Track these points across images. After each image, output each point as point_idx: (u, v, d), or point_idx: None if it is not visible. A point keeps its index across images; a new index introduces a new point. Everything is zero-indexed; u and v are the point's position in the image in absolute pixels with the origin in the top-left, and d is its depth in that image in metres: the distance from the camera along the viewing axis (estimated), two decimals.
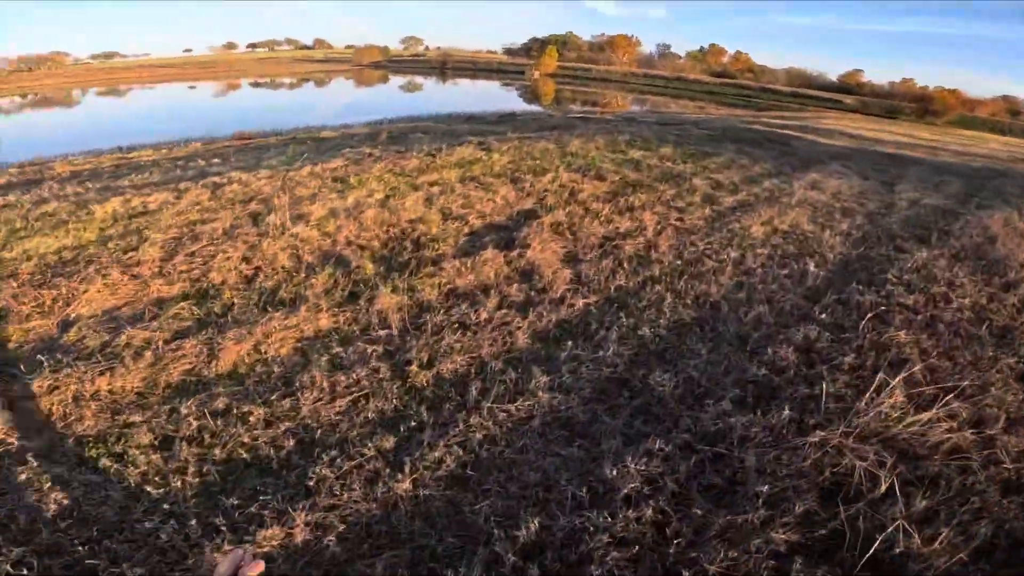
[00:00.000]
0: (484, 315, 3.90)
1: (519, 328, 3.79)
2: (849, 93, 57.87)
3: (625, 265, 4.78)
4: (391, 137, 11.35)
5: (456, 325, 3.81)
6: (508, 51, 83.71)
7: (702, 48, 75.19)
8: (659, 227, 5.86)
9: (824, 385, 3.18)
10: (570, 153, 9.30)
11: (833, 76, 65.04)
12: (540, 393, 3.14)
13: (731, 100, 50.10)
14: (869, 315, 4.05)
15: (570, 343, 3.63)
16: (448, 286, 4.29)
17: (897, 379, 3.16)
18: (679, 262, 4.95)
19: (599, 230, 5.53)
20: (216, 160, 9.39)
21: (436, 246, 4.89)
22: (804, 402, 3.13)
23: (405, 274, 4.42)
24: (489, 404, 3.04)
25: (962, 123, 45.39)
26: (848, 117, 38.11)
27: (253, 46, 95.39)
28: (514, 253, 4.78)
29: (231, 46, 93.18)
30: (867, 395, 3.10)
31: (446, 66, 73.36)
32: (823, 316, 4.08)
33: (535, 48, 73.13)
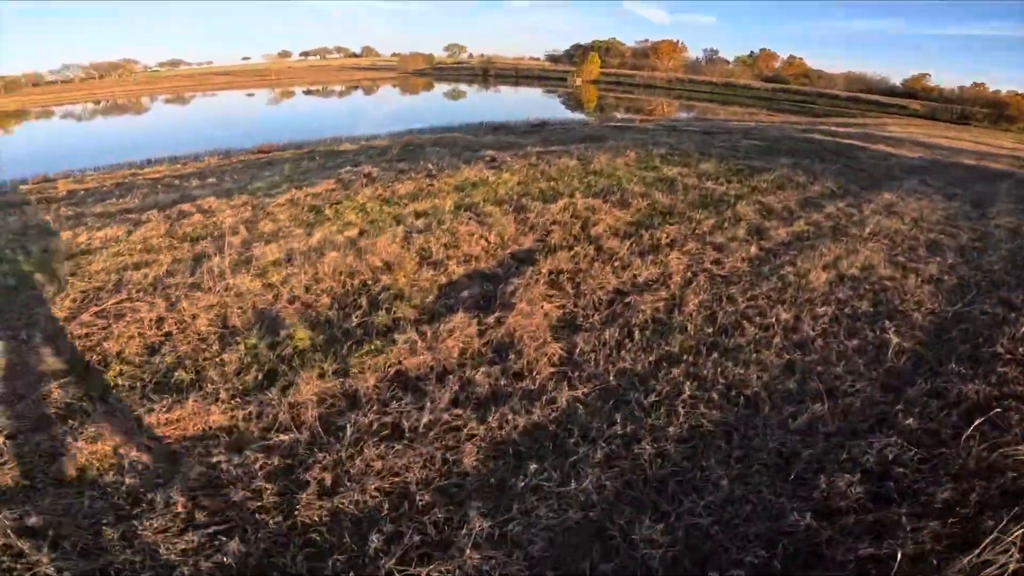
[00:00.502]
0: (428, 416, 2.86)
1: (472, 437, 2.75)
2: (914, 98, 53.87)
3: (636, 335, 3.63)
4: (403, 152, 10.54)
5: (386, 431, 2.80)
6: (551, 57, 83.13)
7: (752, 53, 71.90)
8: (688, 275, 4.66)
9: (901, 542, 2.03)
10: (593, 171, 8.16)
11: (896, 80, 60.80)
12: (468, 550, 2.13)
13: (785, 106, 47.44)
14: (978, 419, 2.75)
15: (534, 466, 2.56)
16: (394, 368, 3.27)
17: (1018, 531, 1.95)
18: (709, 330, 3.75)
19: (610, 280, 4.39)
20: (211, 180, 8.81)
21: (396, 306, 3.89)
22: (863, 567, 2.01)
23: (344, 348, 3.44)
24: (392, 563, 2.09)
25: None
26: (914, 123, 35.08)
27: (306, 54, 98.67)
28: (491, 318, 3.71)
29: (285, 54, 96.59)
30: (970, 556, 1.93)
31: (489, 73, 73.73)
32: (909, 420, 2.82)
33: (577, 55, 72.08)
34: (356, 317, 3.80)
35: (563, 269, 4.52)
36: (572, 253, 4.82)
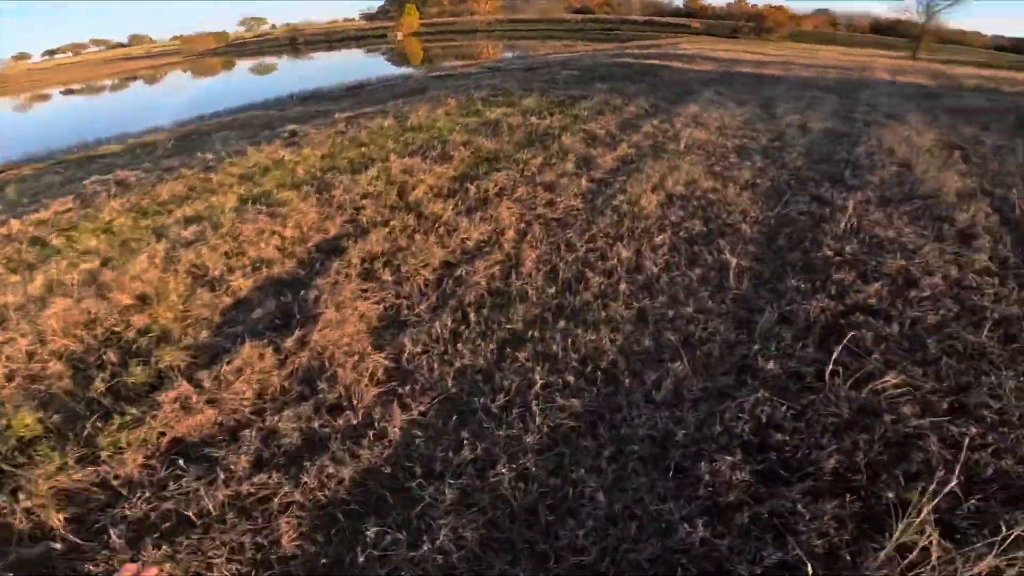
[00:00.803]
0: (224, 491, 2.08)
1: (287, 507, 2.05)
2: (694, 17, 59.54)
3: (472, 317, 3.08)
4: (180, 144, 8.65)
5: (170, 521, 1.98)
6: (367, 16, 77.26)
7: None
8: (522, 226, 4.21)
9: (805, 538, 1.78)
10: (411, 128, 7.33)
11: (679, 1, 66.65)
12: None
13: (596, 35, 49.51)
14: (835, 350, 2.57)
15: (374, 529, 1.95)
16: (167, 437, 2.38)
17: (925, 508, 1.70)
18: (552, 290, 3.33)
19: (436, 253, 3.76)
20: None
21: (160, 353, 2.89)
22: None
23: (89, 426, 2.44)
24: None
25: (793, 37, 48.29)
26: (700, 40, 38.57)
27: (51, 53, 79.66)
28: (292, 340, 2.90)
29: (23, 56, 77.04)
30: (884, 546, 1.70)
31: (298, 42, 66.80)
32: (769, 364, 2.60)
33: (393, 9, 67.79)
34: (102, 380, 2.74)
35: (379, 252, 3.78)
36: (388, 229, 4.09)
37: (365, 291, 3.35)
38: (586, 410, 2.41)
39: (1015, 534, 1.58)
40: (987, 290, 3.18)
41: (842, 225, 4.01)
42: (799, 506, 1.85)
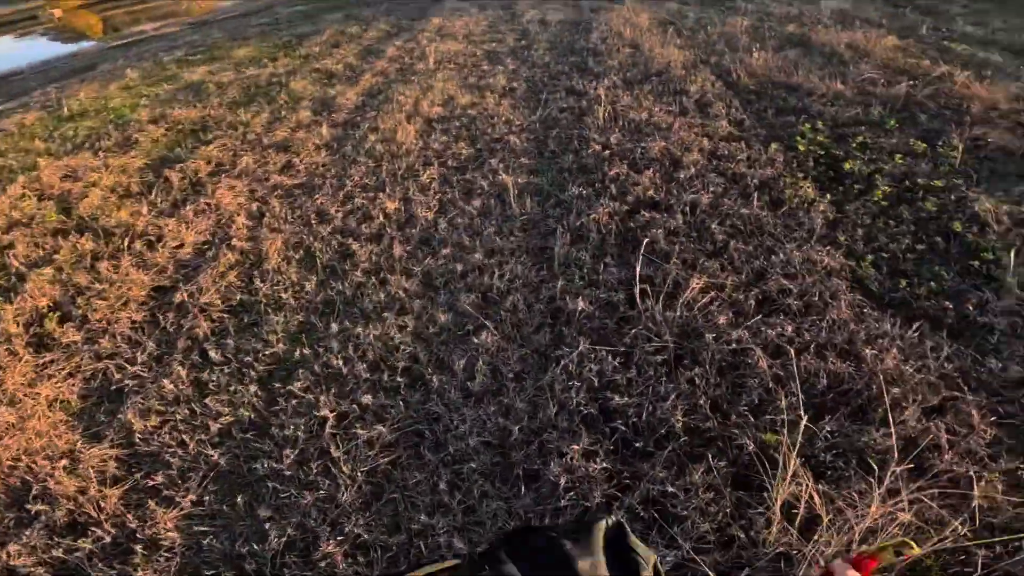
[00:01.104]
0: None
1: None
2: None
3: (214, 356, 2.16)
4: None
5: None
6: None
7: None
8: (255, 207, 3.23)
9: (692, 525, 1.51)
10: (70, 116, 5.35)
11: None
12: None
13: None
14: (636, 266, 2.25)
15: None
16: None
17: (791, 459, 1.46)
18: (311, 282, 2.54)
19: (140, 281, 2.63)
20: None
21: None
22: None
23: None
24: None
25: None
26: None
27: None
28: None
29: None
30: (768, 511, 1.48)
31: None
32: (579, 303, 2.18)
33: None
34: None
35: (47, 304, 2.51)
36: (54, 267, 2.78)
37: (44, 367, 2.19)
38: (400, 433, 1.81)
39: (890, 471, 1.44)
40: (739, 156, 3.27)
41: (601, 115, 3.85)
42: (669, 486, 1.55)
